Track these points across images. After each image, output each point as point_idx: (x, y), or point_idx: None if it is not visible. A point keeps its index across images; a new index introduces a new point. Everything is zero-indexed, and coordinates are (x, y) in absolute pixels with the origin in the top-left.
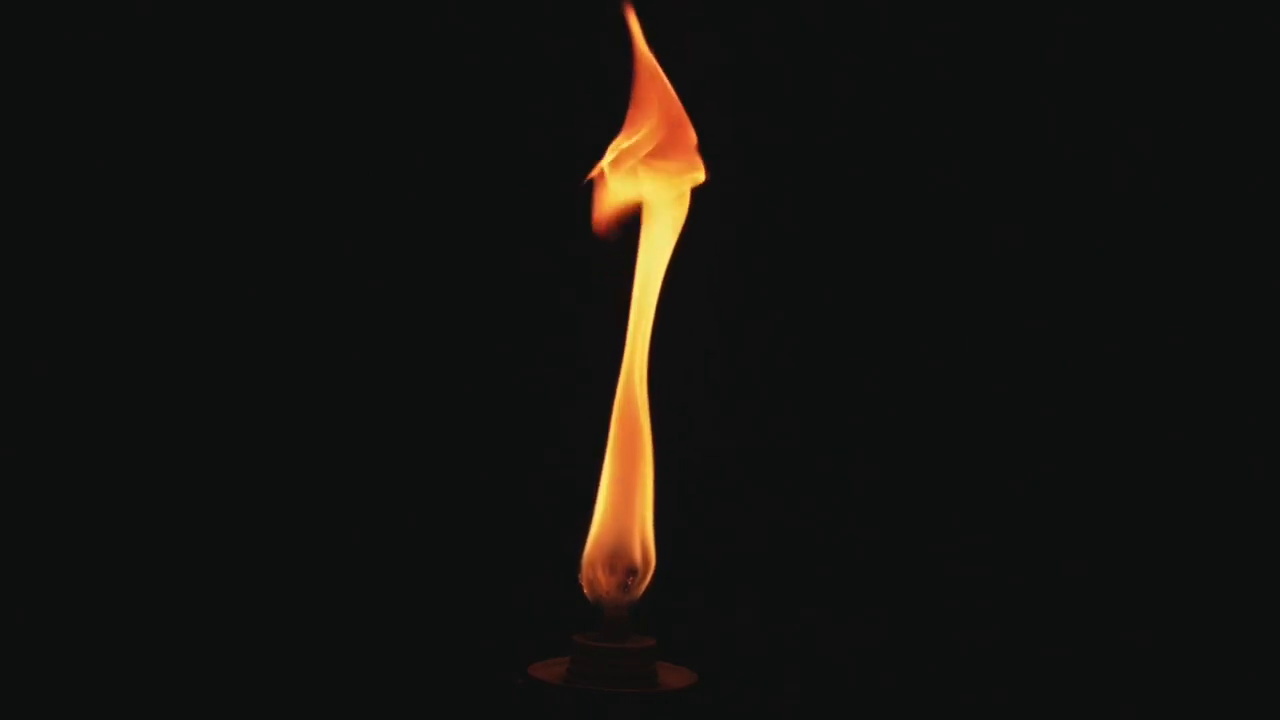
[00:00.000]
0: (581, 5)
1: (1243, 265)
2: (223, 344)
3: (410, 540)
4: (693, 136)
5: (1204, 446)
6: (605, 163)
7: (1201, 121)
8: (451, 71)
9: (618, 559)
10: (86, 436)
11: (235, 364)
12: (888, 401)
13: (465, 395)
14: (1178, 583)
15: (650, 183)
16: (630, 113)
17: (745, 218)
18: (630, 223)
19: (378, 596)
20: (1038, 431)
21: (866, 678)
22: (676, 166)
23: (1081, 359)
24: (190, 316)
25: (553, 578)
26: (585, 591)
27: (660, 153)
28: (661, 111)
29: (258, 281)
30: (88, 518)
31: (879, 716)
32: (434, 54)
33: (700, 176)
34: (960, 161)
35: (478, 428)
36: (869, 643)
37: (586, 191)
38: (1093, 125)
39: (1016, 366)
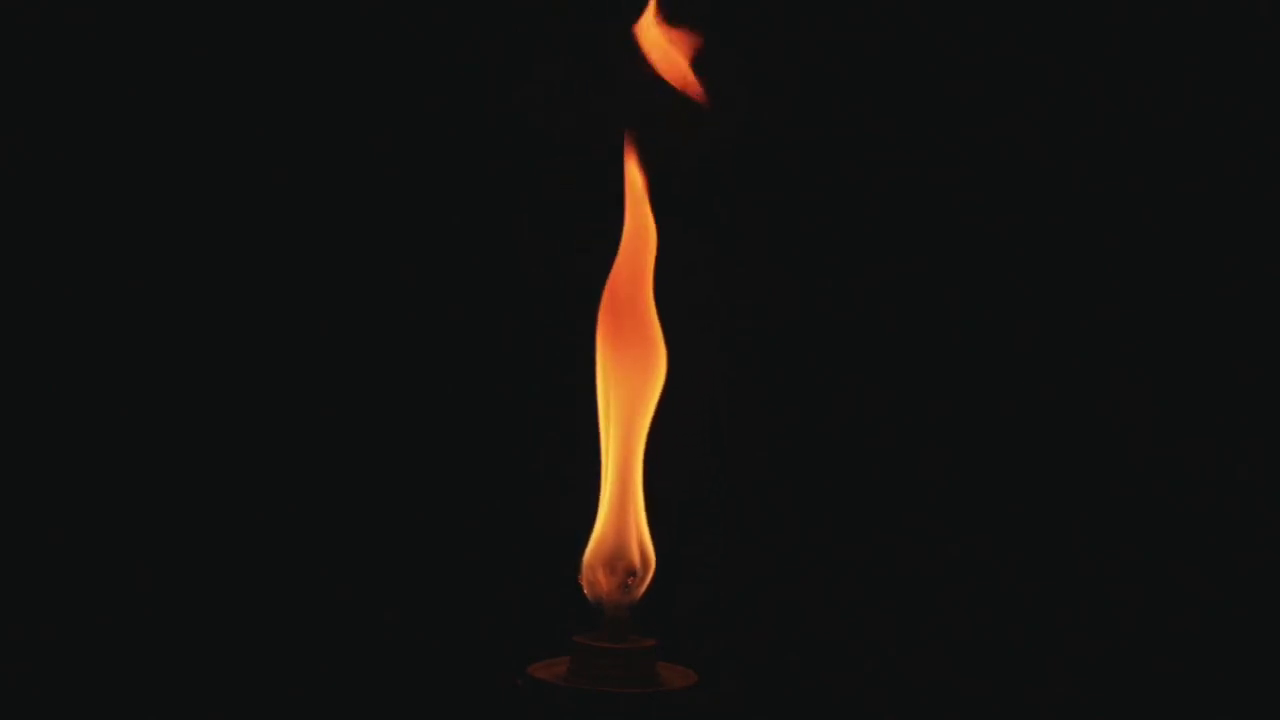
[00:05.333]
0: (581, 6)
1: (1243, 266)
2: (224, 344)
3: (411, 540)
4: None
5: (1204, 446)
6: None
7: (1201, 121)
8: (450, 72)
9: (618, 560)
10: (87, 437)
11: (236, 363)
12: (888, 401)
13: (465, 395)
14: (1178, 583)
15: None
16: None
17: (745, 216)
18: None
19: (378, 596)
20: (1038, 431)
21: (867, 678)
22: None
23: (1081, 359)
24: (191, 317)
25: (553, 578)
26: (586, 592)
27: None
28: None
29: (256, 282)
30: (88, 518)
31: (879, 716)
32: (432, 54)
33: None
34: (961, 161)
35: (478, 428)
36: (869, 643)
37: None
38: (1092, 125)
39: (1016, 366)
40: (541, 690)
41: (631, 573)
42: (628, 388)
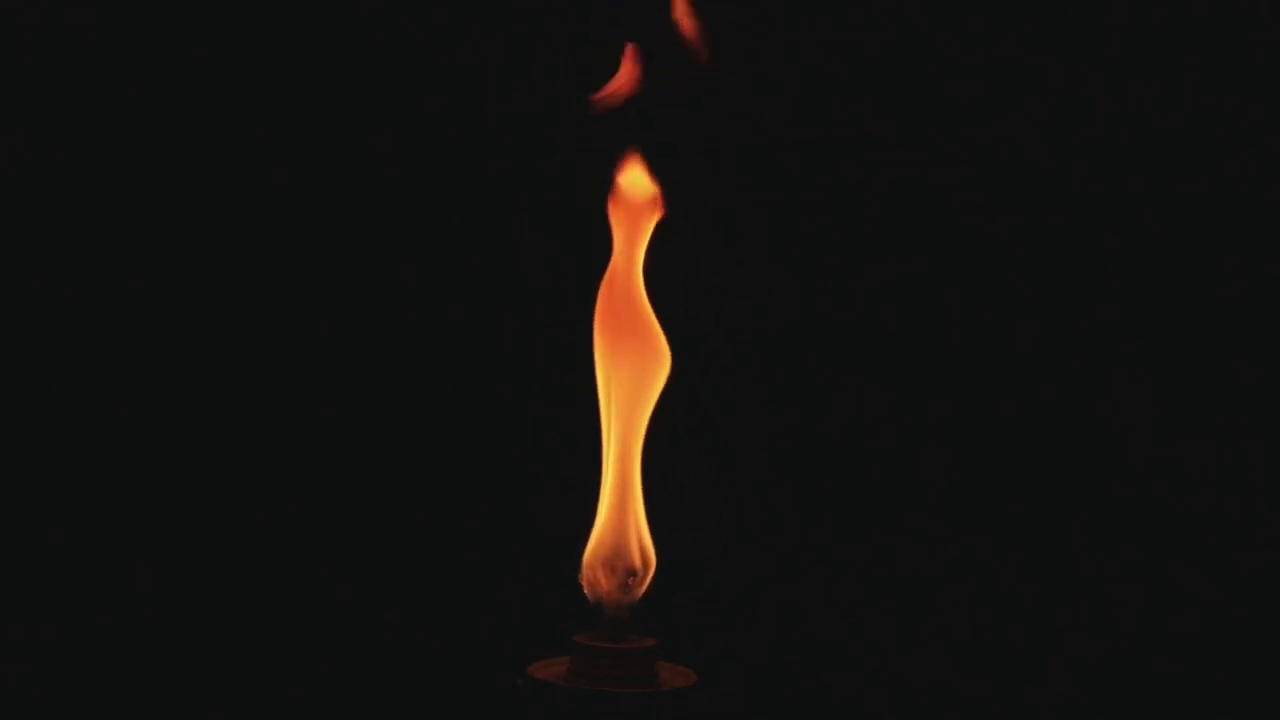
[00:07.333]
0: (582, 7)
1: (1243, 266)
2: (224, 344)
3: (411, 540)
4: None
5: (1204, 446)
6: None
7: (1201, 121)
8: (450, 72)
9: (618, 559)
10: (87, 437)
11: (236, 363)
12: (888, 401)
13: (465, 395)
14: (1178, 583)
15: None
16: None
17: (745, 216)
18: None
19: (378, 596)
20: (1038, 431)
21: (867, 678)
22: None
23: (1081, 359)
24: (191, 317)
25: (553, 578)
26: (586, 592)
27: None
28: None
29: (256, 282)
30: (88, 518)
31: (879, 716)
32: (432, 54)
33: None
34: (961, 161)
35: (478, 428)
36: (869, 643)
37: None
38: (1092, 125)
39: (1016, 366)
40: (541, 690)
41: (631, 573)
42: (629, 379)
